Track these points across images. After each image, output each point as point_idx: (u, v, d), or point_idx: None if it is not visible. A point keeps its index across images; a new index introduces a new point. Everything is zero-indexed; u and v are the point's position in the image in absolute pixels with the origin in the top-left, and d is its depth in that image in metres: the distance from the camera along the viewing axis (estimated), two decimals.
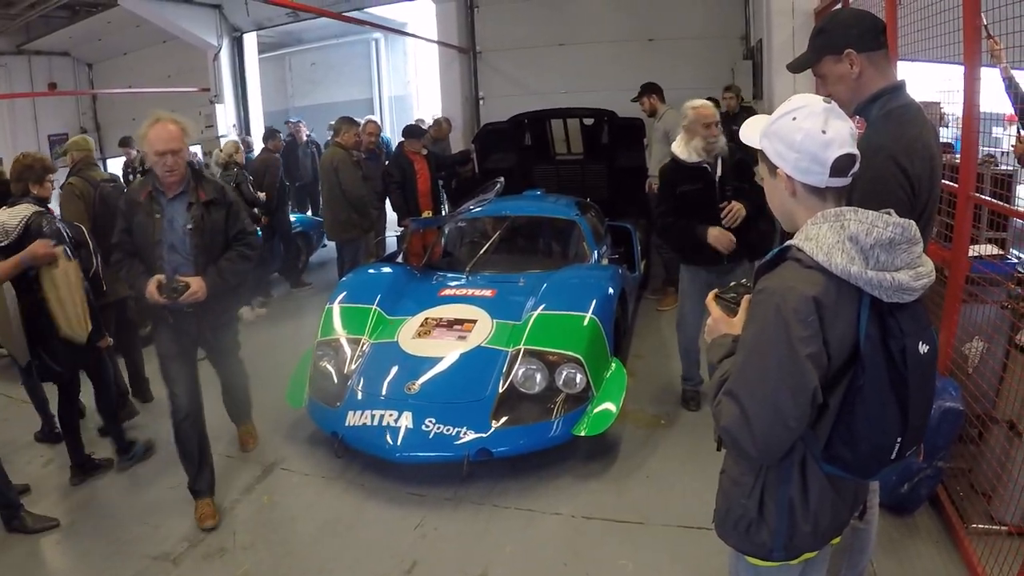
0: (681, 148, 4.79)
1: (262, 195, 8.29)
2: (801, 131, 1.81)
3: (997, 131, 4.24)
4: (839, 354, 1.74)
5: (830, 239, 1.74)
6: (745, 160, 4.70)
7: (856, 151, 1.80)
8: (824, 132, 1.78)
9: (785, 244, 1.83)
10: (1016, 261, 3.92)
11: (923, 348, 1.76)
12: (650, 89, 7.82)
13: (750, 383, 1.77)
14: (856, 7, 5.58)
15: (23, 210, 4.35)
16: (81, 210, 5.36)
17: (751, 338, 1.80)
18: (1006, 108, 4.16)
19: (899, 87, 2.48)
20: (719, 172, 4.77)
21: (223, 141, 10.50)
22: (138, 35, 14.16)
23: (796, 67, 2.68)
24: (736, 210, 4.59)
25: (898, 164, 2.31)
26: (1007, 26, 3.22)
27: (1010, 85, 3.92)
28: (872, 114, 2.50)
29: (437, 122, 10.86)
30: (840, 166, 1.79)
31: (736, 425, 1.77)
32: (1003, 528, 3.40)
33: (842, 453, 1.80)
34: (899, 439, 1.77)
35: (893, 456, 1.79)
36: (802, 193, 1.86)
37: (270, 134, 9.55)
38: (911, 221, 1.76)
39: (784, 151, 1.85)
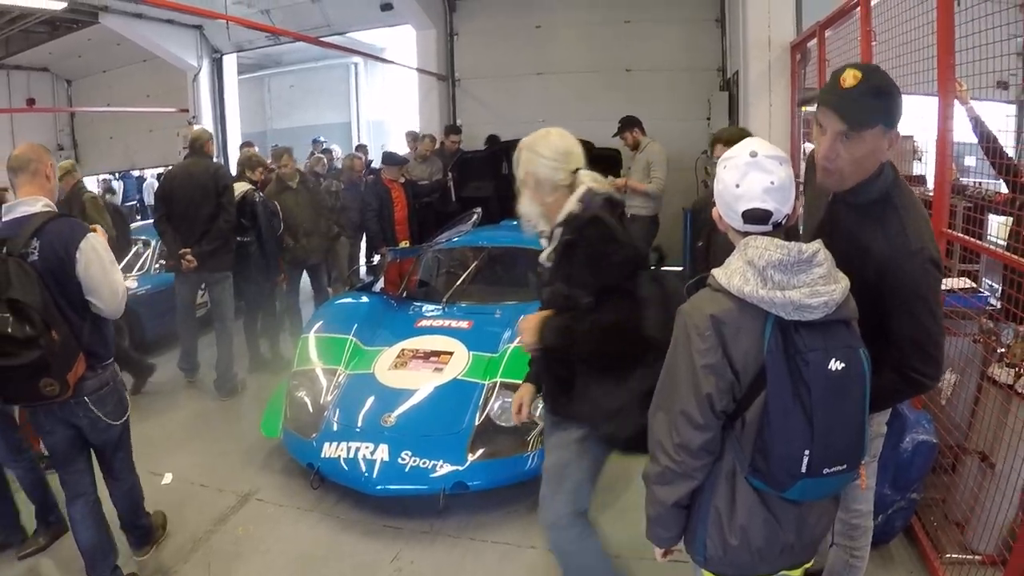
0: None
1: None
2: (721, 181, 1.96)
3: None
4: (747, 368, 1.87)
5: (735, 265, 1.90)
6: None
7: (768, 206, 1.89)
8: (738, 186, 1.91)
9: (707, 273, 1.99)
10: (987, 294, 3.98)
11: (836, 365, 1.81)
12: (631, 123, 7.87)
13: (666, 391, 1.99)
14: (832, 43, 5.67)
15: (241, 186, 6.45)
16: None
17: (669, 354, 2.00)
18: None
19: (886, 162, 2.26)
20: None
21: None
22: (118, 53, 14.16)
23: (856, 121, 2.13)
24: None
25: (935, 263, 2.19)
26: (978, 67, 3.30)
27: (977, 124, 4.00)
28: (872, 192, 2.26)
29: (422, 138, 10.00)
30: (753, 217, 1.91)
31: (661, 429, 1.98)
32: (977, 558, 3.43)
33: (759, 463, 1.88)
34: (807, 451, 1.81)
35: (804, 469, 1.82)
36: (730, 230, 2.02)
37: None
38: (807, 246, 1.86)
39: (716, 192, 2.01)
